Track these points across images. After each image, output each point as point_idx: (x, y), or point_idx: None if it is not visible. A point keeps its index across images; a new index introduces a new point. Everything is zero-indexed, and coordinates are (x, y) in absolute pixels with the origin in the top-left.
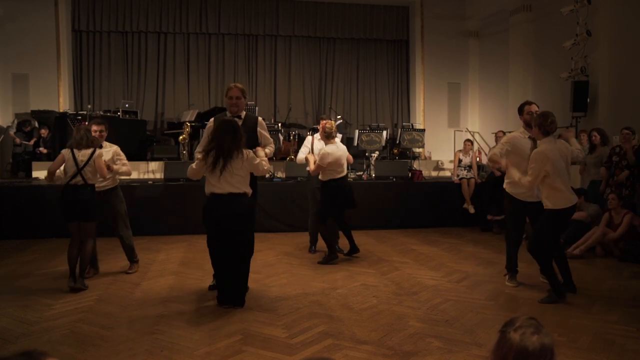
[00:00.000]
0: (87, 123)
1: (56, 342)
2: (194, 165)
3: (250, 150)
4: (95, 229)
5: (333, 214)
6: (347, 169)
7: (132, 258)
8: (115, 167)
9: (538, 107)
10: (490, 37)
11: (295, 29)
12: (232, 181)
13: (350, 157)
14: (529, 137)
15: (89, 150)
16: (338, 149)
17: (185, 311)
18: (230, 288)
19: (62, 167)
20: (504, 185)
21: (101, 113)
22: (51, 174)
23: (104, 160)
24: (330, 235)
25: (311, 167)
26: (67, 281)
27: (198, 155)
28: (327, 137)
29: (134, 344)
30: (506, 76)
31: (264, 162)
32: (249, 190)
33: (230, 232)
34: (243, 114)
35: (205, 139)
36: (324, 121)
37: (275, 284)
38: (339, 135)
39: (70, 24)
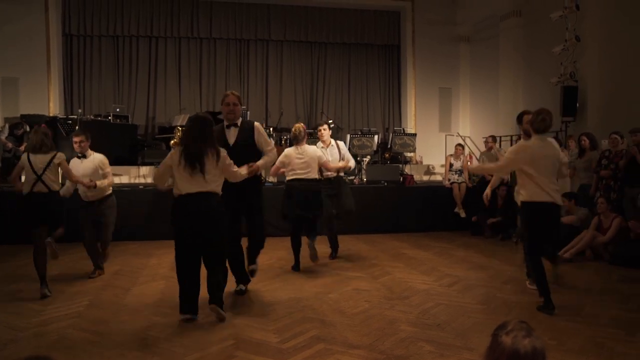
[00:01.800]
0: (77, 127)
1: (46, 348)
2: (160, 167)
3: (224, 151)
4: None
5: (290, 216)
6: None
7: (101, 265)
8: (98, 183)
9: None
10: (481, 42)
11: (286, 34)
12: (202, 181)
13: (328, 164)
14: None
15: (48, 156)
16: (299, 152)
17: (176, 316)
18: (193, 297)
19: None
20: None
21: (92, 117)
22: (15, 182)
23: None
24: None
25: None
26: (46, 288)
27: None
28: (293, 140)
29: (125, 349)
30: (497, 81)
31: (240, 170)
32: (218, 191)
33: (198, 235)
34: (239, 121)
35: None
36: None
37: (267, 288)
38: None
39: (61, 27)
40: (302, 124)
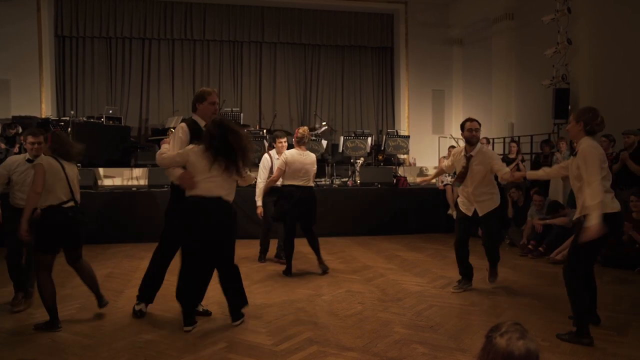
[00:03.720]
0: (70, 129)
1: (36, 352)
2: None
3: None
4: None
5: (290, 219)
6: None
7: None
8: None
9: (479, 123)
10: (474, 44)
11: (280, 36)
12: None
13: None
14: (464, 155)
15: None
16: (303, 157)
17: (168, 319)
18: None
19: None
20: None
21: (84, 119)
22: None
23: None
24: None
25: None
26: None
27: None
28: (299, 142)
29: (117, 352)
30: (489, 83)
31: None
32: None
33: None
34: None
35: (179, 141)
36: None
37: (259, 290)
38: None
39: (53, 29)
40: (306, 128)
